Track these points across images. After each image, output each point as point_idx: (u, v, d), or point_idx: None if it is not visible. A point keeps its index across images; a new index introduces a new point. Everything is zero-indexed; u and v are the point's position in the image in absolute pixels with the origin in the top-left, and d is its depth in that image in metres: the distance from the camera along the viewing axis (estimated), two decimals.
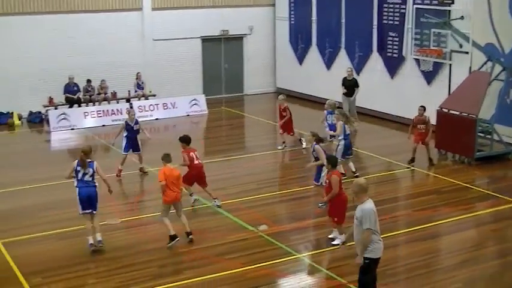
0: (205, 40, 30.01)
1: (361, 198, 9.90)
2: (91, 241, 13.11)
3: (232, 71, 31.10)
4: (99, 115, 25.63)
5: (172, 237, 13.29)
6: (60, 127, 24.64)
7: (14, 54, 25.94)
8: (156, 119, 26.15)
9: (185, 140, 15.38)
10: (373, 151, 20.31)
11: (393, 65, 24.60)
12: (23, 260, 12.85)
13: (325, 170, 14.38)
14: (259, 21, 30.96)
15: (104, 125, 24.78)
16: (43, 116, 25.99)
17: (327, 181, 13.31)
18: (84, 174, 13.02)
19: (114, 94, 27.41)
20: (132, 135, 18.21)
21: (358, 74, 25.86)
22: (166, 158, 13.55)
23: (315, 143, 15.11)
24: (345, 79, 23.97)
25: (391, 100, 24.55)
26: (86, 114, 25.51)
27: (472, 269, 12.38)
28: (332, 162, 13.48)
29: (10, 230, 14.21)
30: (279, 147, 20.79)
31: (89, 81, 26.87)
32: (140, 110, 26.13)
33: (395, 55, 24.42)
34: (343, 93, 23.85)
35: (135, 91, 27.59)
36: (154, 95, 27.91)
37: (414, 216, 15.05)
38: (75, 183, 13.05)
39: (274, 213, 15.44)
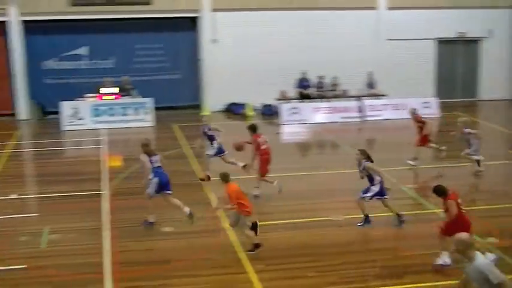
0: (441, 42, 29.25)
1: (469, 255, 8.83)
2: (152, 220, 14.30)
3: (468, 75, 30.01)
4: (330, 111, 25.95)
5: (256, 246, 12.88)
6: (291, 120, 25.32)
7: (252, 49, 27.03)
8: (386, 119, 25.96)
9: (252, 128, 16.59)
10: None
11: None
12: (251, 245, 13.26)
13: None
14: (498, 23, 29.57)
15: (334, 122, 24.99)
16: (273, 109, 26.85)
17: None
18: (156, 161, 14.24)
19: (344, 92, 27.59)
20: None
21: None
22: (227, 178, 12.90)
23: (364, 160, 13.90)
24: None
25: None
26: (317, 109, 25.96)
27: None
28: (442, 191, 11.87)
29: None
30: (411, 162, 18.74)
31: (321, 77, 27.30)
32: (371, 109, 26.15)
33: None
34: None
35: (366, 90, 27.58)
36: (384, 95, 27.70)
37: None
38: (152, 174, 14.11)
39: (507, 226, 14.41)
